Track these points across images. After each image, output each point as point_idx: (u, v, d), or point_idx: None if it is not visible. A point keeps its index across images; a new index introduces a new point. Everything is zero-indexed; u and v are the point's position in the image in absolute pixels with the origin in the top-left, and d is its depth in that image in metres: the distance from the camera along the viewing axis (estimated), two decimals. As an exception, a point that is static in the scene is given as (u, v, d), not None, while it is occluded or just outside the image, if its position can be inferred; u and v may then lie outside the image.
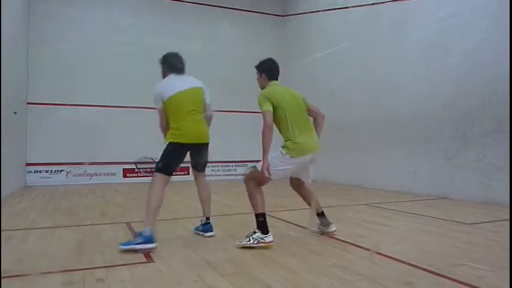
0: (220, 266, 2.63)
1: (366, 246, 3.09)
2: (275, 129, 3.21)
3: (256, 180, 3.16)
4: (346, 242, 3.25)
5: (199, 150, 3.42)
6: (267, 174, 3.06)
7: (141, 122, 9.36)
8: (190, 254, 2.93)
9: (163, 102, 3.28)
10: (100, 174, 9.40)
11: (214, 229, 3.56)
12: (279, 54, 9.96)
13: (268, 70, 3.43)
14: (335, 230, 3.47)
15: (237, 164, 10.58)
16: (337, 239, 3.37)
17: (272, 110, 3.16)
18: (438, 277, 2.36)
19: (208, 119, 3.53)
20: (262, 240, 3.06)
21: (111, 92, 9.37)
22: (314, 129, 3.36)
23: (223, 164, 10.34)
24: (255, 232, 3.10)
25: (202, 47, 10.01)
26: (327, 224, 3.49)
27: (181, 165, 3.35)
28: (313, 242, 3.30)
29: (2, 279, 2.33)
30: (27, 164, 8.78)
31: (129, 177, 9.57)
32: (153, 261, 2.74)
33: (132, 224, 4.10)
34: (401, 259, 2.72)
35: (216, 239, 3.43)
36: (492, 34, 5.53)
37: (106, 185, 8.80)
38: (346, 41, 8.60)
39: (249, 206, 3.20)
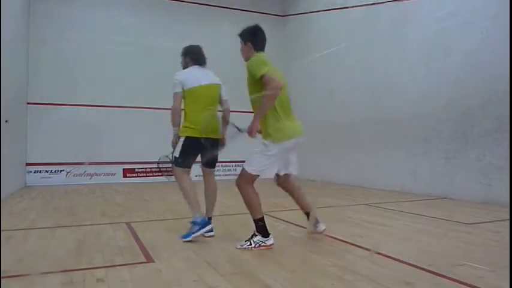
0: (220, 266, 2.63)
1: (366, 246, 3.09)
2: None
3: (248, 182, 3.02)
4: (346, 242, 3.25)
5: (212, 144, 3.52)
6: (254, 135, 2.84)
7: (141, 122, 9.43)
8: (190, 254, 2.92)
9: (184, 90, 3.40)
10: (100, 174, 9.40)
11: (214, 229, 3.55)
12: (279, 54, 10.00)
13: (255, 38, 2.94)
14: (324, 229, 3.37)
15: (237, 164, 10.57)
16: (337, 239, 3.37)
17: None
18: (438, 277, 2.36)
19: (227, 114, 3.70)
20: (264, 244, 3.03)
21: (111, 92, 9.36)
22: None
23: (223, 164, 10.34)
24: (255, 235, 3.05)
25: (202, 47, 9.98)
26: (316, 224, 3.38)
27: None
28: (313, 242, 3.30)
29: (2, 279, 2.33)
30: (27, 164, 8.78)
31: (129, 177, 9.61)
32: (153, 261, 2.73)
33: (132, 224, 4.10)
34: (401, 259, 2.72)
35: (216, 239, 3.42)
36: (492, 34, 5.53)
37: (106, 185, 8.80)
38: (346, 41, 8.59)
39: (249, 206, 3.19)
